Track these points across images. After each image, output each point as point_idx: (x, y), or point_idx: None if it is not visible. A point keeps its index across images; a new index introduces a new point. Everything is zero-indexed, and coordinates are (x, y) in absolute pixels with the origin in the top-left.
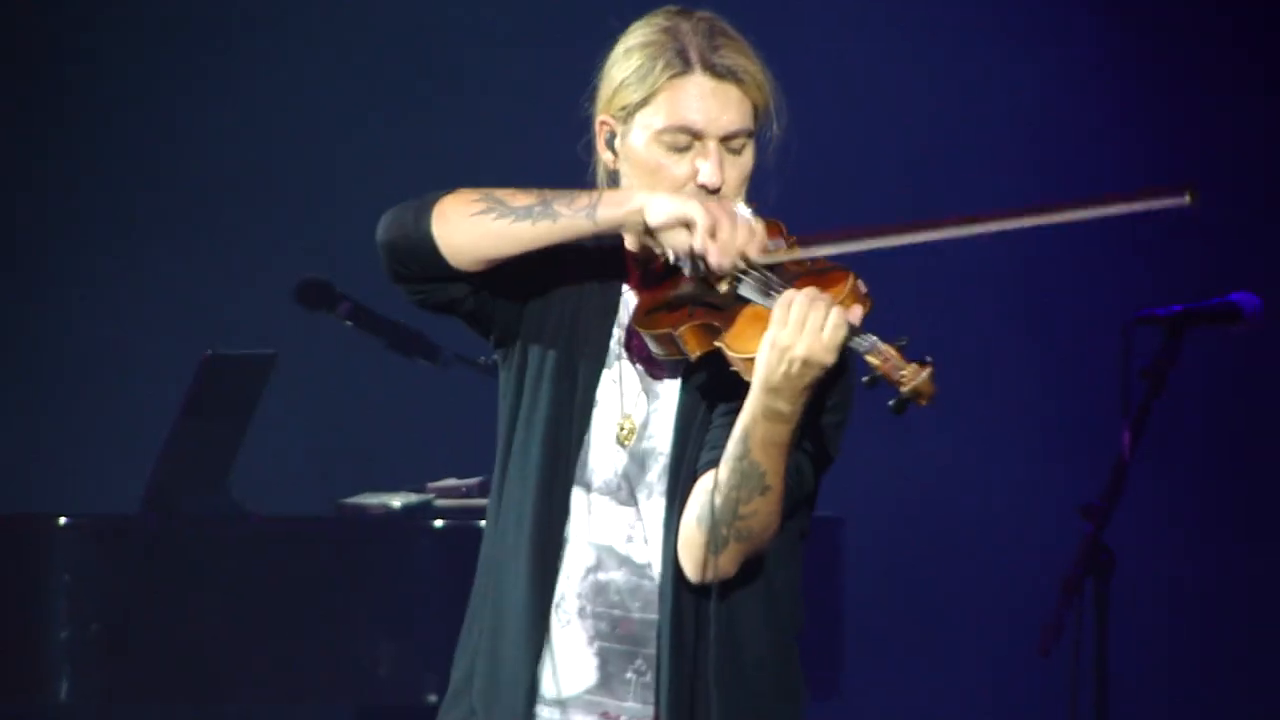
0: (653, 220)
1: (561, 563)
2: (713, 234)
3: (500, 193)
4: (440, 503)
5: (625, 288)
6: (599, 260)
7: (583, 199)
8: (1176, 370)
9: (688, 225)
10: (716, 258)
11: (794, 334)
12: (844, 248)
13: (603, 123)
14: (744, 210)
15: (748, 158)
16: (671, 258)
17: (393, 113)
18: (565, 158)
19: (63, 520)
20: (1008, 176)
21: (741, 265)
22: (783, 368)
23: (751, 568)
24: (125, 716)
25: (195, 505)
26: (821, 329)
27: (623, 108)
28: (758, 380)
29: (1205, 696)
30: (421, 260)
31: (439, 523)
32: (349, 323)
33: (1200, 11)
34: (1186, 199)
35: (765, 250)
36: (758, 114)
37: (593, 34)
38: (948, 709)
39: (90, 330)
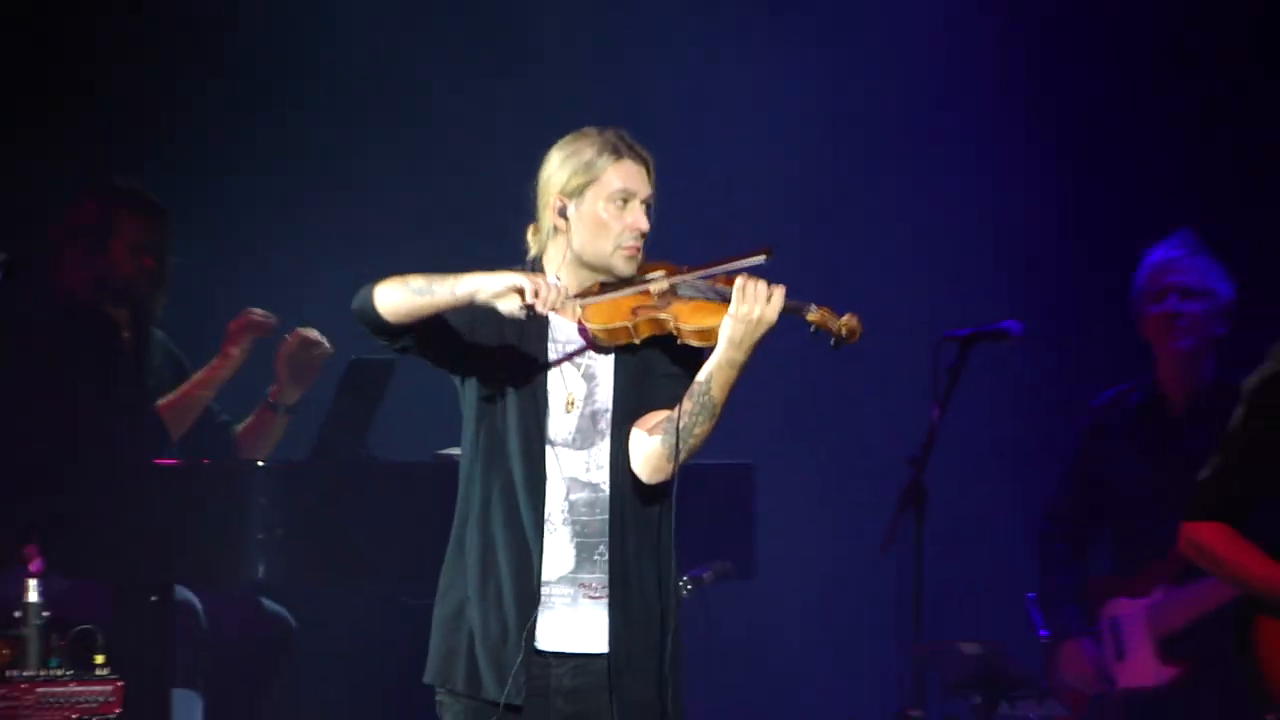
0: (488, 292)
1: (546, 494)
2: (536, 294)
3: (411, 277)
4: None
5: (551, 316)
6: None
7: (450, 280)
8: (966, 370)
9: (518, 291)
10: (541, 308)
11: (750, 304)
12: (638, 287)
13: (556, 200)
14: (552, 278)
15: (651, 216)
16: (508, 312)
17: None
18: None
19: (260, 463)
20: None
21: (554, 311)
22: (745, 328)
23: (660, 486)
24: (297, 587)
25: (345, 454)
26: (768, 298)
27: (575, 188)
28: (724, 339)
29: (987, 574)
30: (375, 321)
31: None
32: None
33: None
34: (764, 258)
35: (569, 298)
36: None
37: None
38: (820, 584)
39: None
